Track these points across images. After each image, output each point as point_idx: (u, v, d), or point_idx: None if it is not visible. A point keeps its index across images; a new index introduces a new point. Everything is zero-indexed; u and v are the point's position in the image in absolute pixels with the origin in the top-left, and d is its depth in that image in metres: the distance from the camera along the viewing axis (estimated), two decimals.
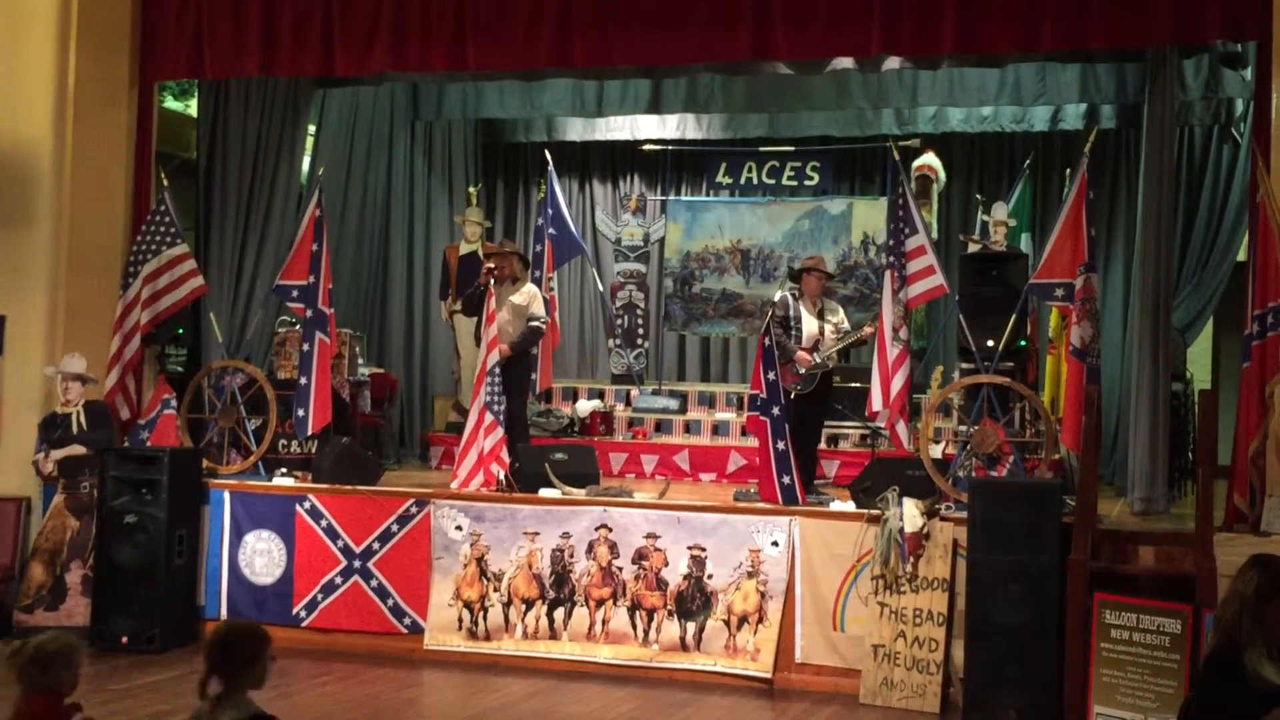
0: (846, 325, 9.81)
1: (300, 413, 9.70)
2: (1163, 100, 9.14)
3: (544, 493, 9.17)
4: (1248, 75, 9.89)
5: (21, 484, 9.48)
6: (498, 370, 9.46)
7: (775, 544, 8.46)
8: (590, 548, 8.81)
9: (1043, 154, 13.13)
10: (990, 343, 9.30)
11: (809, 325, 9.61)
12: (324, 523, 9.24)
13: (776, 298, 10.40)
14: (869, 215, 13.35)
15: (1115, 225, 12.60)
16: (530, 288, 10.41)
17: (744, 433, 11.64)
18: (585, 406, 12.85)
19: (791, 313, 9.63)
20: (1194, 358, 12.10)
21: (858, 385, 10.95)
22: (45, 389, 9.58)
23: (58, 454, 9.24)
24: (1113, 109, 12.32)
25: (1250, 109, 9.83)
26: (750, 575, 8.48)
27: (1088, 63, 11.10)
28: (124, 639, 8.86)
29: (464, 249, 12.79)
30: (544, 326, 10.49)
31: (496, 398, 9.38)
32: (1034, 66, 11.60)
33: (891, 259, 9.19)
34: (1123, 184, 12.62)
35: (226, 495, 9.45)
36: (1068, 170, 11.57)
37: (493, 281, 9.92)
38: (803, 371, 9.49)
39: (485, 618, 8.92)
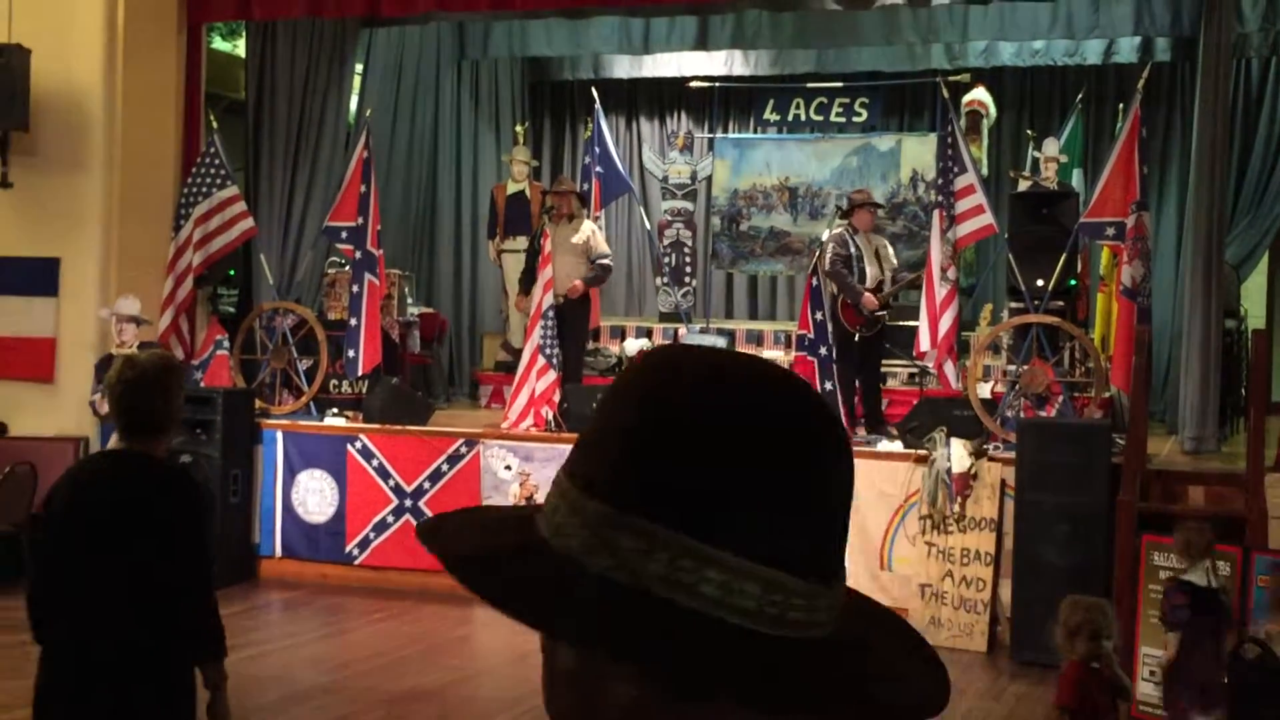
0: (894, 262, 9.68)
1: (351, 353, 9.80)
2: (1219, 31, 9.00)
3: None
4: None
5: (79, 424, 9.63)
6: (552, 313, 9.43)
7: None
8: None
9: (1095, 88, 12.93)
10: (1040, 282, 9.23)
11: (870, 266, 9.50)
12: (375, 462, 9.35)
13: (825, 236, 10.31)
14: (918, 152, 13.22)
15: (1169, 161, 12.41)
16: (588, 225, 10.41)
17: None
18: (633, 345, 12.86)
19: (853, 251, 9.50)
20: (1249, 293, 11.93)
21: (906, 324, 10.91)
22: (100, 330, 9.70)
23: None
24: (1168, 41, 12.13)
25: None
26: None
27: None
28: None
29: (511, 188, 12.79)
30: (612, 262, 10.49)
31: (550, 340, 9.36)
32: None
33: (940, 198, 9.12)
34: (1177, 118, 12.42)
35: (279, 435, 9.58)
36: (1121, 105, 11.41)
37: (547, 221, 9.90)
38: (867, 314, 9.40)
39: None
